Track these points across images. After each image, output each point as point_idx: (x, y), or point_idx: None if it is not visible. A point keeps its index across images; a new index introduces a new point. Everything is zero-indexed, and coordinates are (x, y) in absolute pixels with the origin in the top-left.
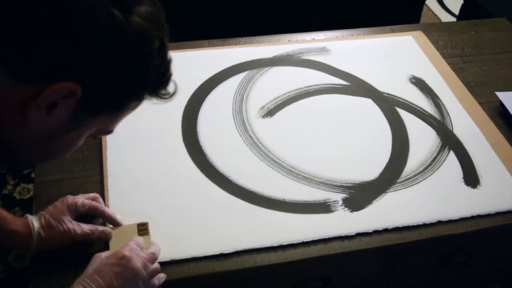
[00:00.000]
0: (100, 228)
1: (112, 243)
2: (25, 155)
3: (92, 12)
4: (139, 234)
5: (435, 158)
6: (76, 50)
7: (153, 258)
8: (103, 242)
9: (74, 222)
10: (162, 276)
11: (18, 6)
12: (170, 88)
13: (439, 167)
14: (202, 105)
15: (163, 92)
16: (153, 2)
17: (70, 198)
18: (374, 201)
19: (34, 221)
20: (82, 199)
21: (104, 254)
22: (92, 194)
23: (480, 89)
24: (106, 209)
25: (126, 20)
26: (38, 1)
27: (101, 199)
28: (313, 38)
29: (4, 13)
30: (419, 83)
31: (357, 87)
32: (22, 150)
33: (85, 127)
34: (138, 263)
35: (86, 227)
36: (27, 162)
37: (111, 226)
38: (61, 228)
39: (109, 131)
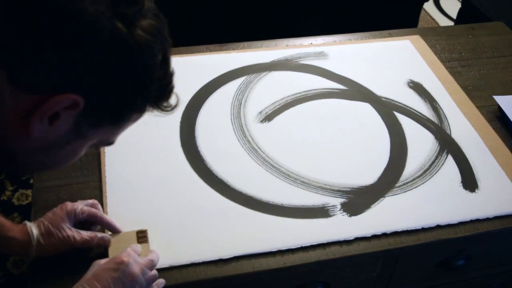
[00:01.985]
0: (100, 235)
1: (111, 250)
2: (26, 165)
3: (95, 24)
4: (138, 242)
5: (433, 162)
6: (79, 62)
7: (151, 264)
8: (102, 248)
9: (73, 229)
10: (161, 282)
11: (21, 17)
12: (172, 100)
13: (437, 171)
14: (200, 110)
15: (165, 104)
16: (156, 15)
17: (69, 205)
18: (372, 206)
19: (33, 228)
20: (81, 206)
21: (103, 261)
22: (90, 201)
23: (478, 93)
24: (104, 216)
25: (130, 33)
26: (42, 13)
27: (99, 206)
28: (311, 43)
29: (8, 24)
30: (417, 87)
31: (355, 91)
32: (23, 160)
33: (87, 138)
34: (136, 268)
35: (85, 234)
36: (27, 172)
37: (110, 233)
38: (61, 235)
39: (111, 142)
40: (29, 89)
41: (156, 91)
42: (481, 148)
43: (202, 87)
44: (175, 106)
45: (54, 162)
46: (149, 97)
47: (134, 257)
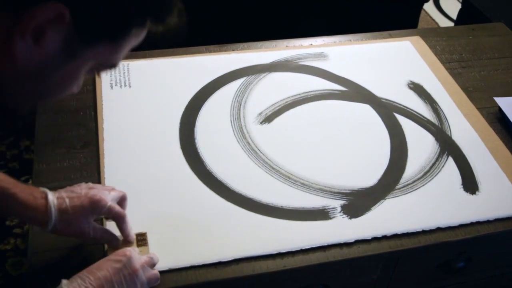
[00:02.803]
0: (111, 233)
1: (110, 253)
2: (18, 95)
3: None
4: (138, 244)
5: (433, 164)
6: None
7: (151, 262)
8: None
9: (91, 224)
10: None
11: None
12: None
13: (437, 173)
14: (200, 111)
15: (167, 19)
16: None
17: (101, 201)
18: (372, 208)
19: (53, 213)
20: (110, 204)
21: None
22: (120, 194)
23: (479, 94)
24: (126, 227)
25: None
26: None
27: (126, 202)
28: (311, 44)
29: None
30: (417, 89)
31: (355, 93)
32: (14, 89)
33: (82, 58)
34: (137, 264)
35: (99, 231)
36: (22, 104)
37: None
38: (77, 229)
39: (112, 65)
40: (6, 4)
41: (154, 1)
42: (481, 150)
43: (201, 88)
44: (181, 22)
45: (49, 90)
46: (147, 8)
47: (135, 253)
